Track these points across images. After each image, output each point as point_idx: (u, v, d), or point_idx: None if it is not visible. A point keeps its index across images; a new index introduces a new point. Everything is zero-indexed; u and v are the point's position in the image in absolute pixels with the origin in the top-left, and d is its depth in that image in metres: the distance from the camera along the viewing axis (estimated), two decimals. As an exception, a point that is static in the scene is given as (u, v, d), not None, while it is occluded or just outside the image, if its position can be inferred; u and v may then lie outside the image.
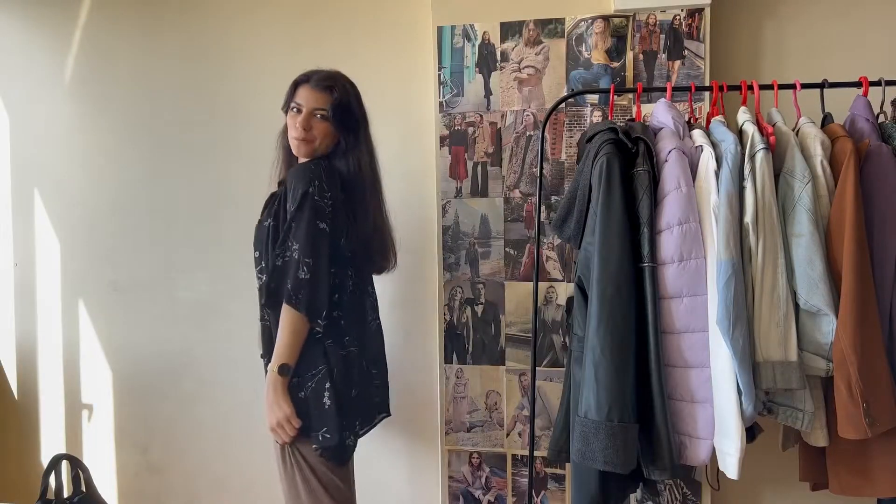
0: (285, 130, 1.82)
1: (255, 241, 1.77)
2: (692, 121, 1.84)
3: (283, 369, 1.63)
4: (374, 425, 1.87)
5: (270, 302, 1.65)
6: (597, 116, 2.08)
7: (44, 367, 2.71)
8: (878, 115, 1.66)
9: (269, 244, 1.70)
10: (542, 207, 2.11)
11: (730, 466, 1.56)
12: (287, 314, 1.60)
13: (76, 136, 2.62)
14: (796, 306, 1.56)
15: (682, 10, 2.02)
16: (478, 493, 2.23)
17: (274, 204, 1.74)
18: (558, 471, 2.17)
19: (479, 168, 2.18)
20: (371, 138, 1.83)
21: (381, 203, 1.85)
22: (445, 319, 2.22)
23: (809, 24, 2.12)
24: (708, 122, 1.75)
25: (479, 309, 2.20)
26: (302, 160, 1.78)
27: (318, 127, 1.73)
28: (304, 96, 1.74)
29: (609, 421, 1.50)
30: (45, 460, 2.67)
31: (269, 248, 1.70)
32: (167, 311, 2.57)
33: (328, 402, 1.63)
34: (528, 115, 2.13)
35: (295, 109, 1.75)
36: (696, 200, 1.57)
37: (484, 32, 2.14)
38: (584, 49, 2.08)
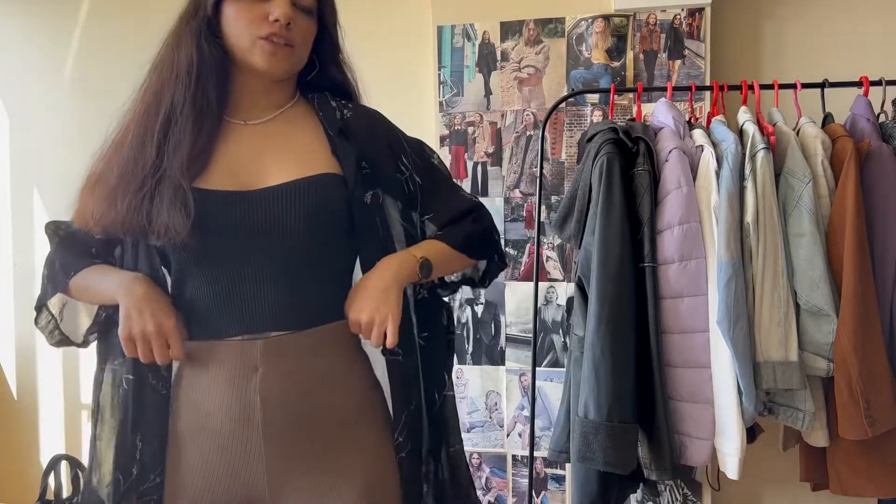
0: (199, 38, 1.06)
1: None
2: (693, 120, 1.84)
3: (425, 265, 1.09)
4: None
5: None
6: (597, 116, 2.08)
7: (43, 367, 2.70)
8: (878, 114, 1.66)
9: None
10: (542, 207, 2.11)
11: (730, 467, 1.56)
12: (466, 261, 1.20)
13: (76, 136, 2.61)
14: (797, 306, 1.56)
15: (683, 10, 2.02)
16: (478, 494, 2.23)
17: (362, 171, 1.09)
18: (558, 471, 2.17)
19: (479, 168, 2.17)
20: None
21: None
22: (445, 319, 2.22)
23: (809, 24, 2.11)
24: (708, 121, 1.75)
25: (479, 309, 2.19)
26: (256, 81, 1.08)
27: (302, 25, 1.06)
28: None
29: (609, 421, 1.49)
30: (44, 461, 2.66)
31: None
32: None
33: None
34: (528, 115, 2.13)
35: None
36: (697, 200, 1.57)
37: (484, 32, 2.14)
38: (584, 48, 2.08)
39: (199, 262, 1.04)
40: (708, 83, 1.96)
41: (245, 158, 1.06)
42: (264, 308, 1.03)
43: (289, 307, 1.04)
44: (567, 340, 2.11)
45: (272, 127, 1.10)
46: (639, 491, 1.87)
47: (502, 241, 2.16)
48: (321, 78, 1.15)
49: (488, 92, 2.15)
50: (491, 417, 2.20)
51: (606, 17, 2.06)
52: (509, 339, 2.18)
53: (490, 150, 2.16)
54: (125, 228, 1.02)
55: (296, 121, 1.12)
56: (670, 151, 1.58)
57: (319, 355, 1.07)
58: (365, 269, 1.09)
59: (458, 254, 1.15)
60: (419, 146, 1.20)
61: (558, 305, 2.14)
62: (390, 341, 1.03)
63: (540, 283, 2.07)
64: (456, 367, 2.21)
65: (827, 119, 1.72)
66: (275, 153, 1.07)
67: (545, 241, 2.13)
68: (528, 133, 2.14)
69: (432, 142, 2.21)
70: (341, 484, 1.06)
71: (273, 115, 1.11)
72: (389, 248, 1.11)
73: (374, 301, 1.03)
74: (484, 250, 1.22)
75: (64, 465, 2.41)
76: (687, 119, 1.81)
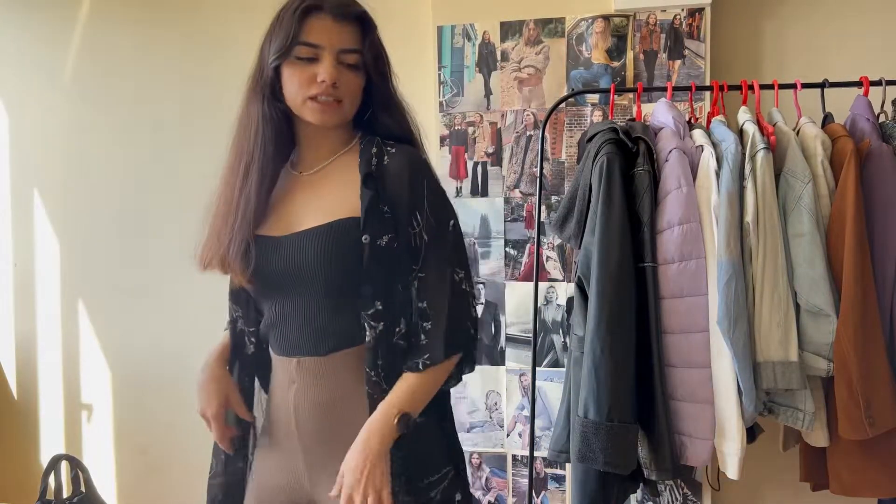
0: (261, 96, 1.19)
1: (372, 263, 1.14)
2: (693, 120, 1.84)
3: (402, 420, 1.12)
4: None
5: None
6: (597, 116, 2.08)
7: (43, 367, 2.70)
8: (878, 114, 1.66)
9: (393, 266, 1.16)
10: (542, 207, 2.11)
11: (730, 467, 1.56)
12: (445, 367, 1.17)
13: (76, 136, 2.61)
14: (797, 306, 1.56)
15: (683, 10, 2.02)
16: (478, 494, 2.23)
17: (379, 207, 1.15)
18: (558, 471, 2.17)
19: (479, 168, 2.17)
20: None
21: None
22: (445, 319, 2.22)
23: (809, 24, 2.11)
24: (708, 121, 1.75)
25: (480, 309, 2.19)
26: (316, 132, 1.21)
27: (348, 81, 1.16)
28: (323, 31, 1.14)
29: (609, 421, 1.49)
30: (44, 461, 2.66)
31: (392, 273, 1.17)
32: (167, 310, 2.56)
33: None
34: (528, 115, 2.13)
35: (304, 55, 1.14)
36: (697, 200, 1.57)
37: (484, 32, 2.14)
38: (584, 48, 2.08)
39: (258, 295, 1.25)
40: (708, 83, 1.96)
41: (294, 206, 1.21)
42: (297, 335, 1.20)
43: (314, 336, 1.18)
44: (567, 340, 2.11)
45: (319, 175, 1.23)
46: (639, 491, 1.88)
47: (501, 242, 2.16)
48: (375, 120, 1.23)
49: (488, 92, 2.15)
50: (491, 417, 2.20)
51: (606, 18, 2.06)
52: (509, 339, 2.18)
53: (490, 150, 2.16)
54: (223, 270, 1.21)
55: (341, 167, 1.21)
56: (670, 151, 1.58)
57: (338, 378, 1.19)
58: (375, 307, 1.14)
59: (440, 370, 1.15)
60: (440, 206, 1.19)
61: (558, 305, 2.14)
62: None
63: (540, 283, 2.07)
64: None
65: (827, 119, 1.72)
66: (315, 201, 1.20)
67: (545, 241, 2.13)
68: (528, 133, 2.14)
69: (432, 142, 2.21)
70: None
71: (324, 164, 1.23)
72: (395, 289, 1.16)
73: (360, 483, 1.08)
74: (461, 347, 1.18)
75: (64, 465, 2.41)
76: (687, 119, 1.81)
